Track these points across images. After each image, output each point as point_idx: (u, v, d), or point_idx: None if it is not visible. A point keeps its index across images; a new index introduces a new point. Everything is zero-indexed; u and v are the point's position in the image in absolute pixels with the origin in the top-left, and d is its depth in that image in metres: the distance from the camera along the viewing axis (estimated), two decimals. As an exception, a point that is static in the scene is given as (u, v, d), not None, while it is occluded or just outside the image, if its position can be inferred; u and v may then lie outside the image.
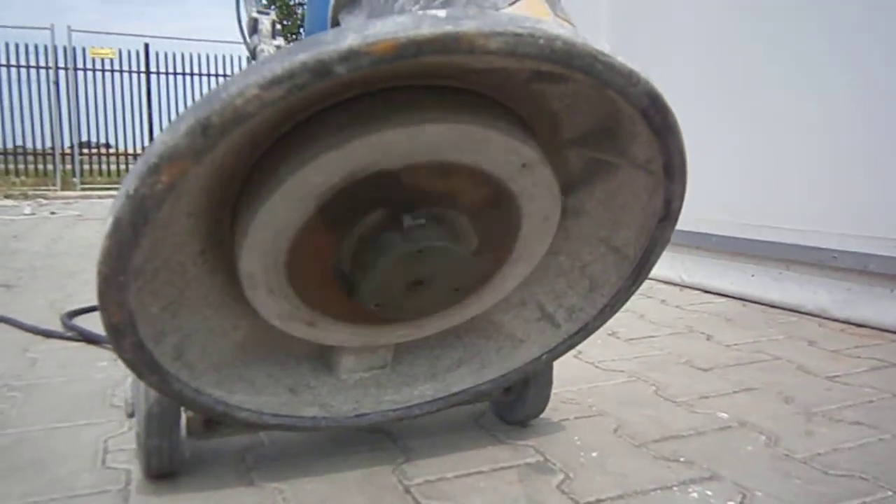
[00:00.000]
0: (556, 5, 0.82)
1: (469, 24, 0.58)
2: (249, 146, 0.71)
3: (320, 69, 0.57)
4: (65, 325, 1.82)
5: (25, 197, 7.01)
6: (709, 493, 0.96)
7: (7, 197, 6.87)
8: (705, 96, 2.35)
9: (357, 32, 0.57)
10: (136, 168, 0.60)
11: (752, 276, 2.21)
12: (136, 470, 1.01)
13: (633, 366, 1.54)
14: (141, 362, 0.76)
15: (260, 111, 0.58)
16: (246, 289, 0.81)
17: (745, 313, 2.08)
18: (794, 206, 2.09)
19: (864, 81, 1.89)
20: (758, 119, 2.20)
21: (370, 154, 0.70)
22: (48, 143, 9.74)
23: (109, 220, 0.62)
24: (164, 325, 0.79)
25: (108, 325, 0.70)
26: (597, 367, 1.53)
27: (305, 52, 0.56)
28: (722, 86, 2.33)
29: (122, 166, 10.63)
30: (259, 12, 1.47)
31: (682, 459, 1.07)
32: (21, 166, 9.86)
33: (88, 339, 1.70)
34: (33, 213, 5.35)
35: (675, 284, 2.46)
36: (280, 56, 0.57)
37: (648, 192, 0.86)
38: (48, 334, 1.75)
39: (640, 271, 0.95)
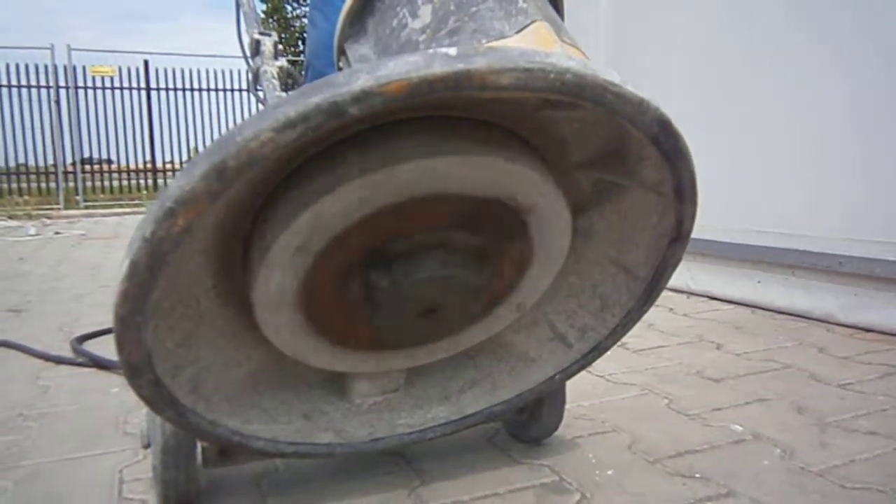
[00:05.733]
0: (561, 32, 0.82)
1: (480, 62, 0.59)
2: (261, 181, 0.72)
3: (334, 111, 0.57)
4: (75, 350, 1.82)
5: (29, 217, 7.04)
6: (726, 510, 0.96)
7: (11, 217, 6.89)
8: (710, 101, 2.35)
9: (369, 73, 0.58)
10: (152, 211, 0.60)
11: (759, 282, 2.21)
12: (152, 500, 1.01)
13: (645, 378, 1.54)
14: (158, 398, 0.76)
15: (274, 153, 0.58)
16: (259, 320, 0.81)
17: (754, 320, 2.07)
18: (799, 212, 2.09)
19: (868, 88, 1.89)
20: (762, 125, 2.20)
21: (382, 188, 0.71)
22: (50, 161, 9.78)
23: (126, 263, 0.62)
24: (180, 359, 0.79)
25: (126, 364, 0.70)
26: (608, 380, 1.53)
27: (318, 95, 0.57)
28: (725, 91, 2.33)
29: (125, 182, 10.66)
30: (261, 34, 1.48)
31: (697, 476, 1.06)
32: (24, 185, 9.90)
33: (99, 364, 1.70)
34: (38, 234, 5.36)
35: (683, 292, 2.46)
36: (293, 99, 0.58)
37: (659, 214, 0.87)
38: (59, 360, 1.76)
39: (651, 291, 0.95)
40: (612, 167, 0.85)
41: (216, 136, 10.95)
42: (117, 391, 1.54)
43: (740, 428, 1.25)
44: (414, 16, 0.83)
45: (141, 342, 0.68)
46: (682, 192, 0.79)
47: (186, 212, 0.58)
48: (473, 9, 0.80)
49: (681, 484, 1.04)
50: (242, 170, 0.58)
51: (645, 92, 0.68)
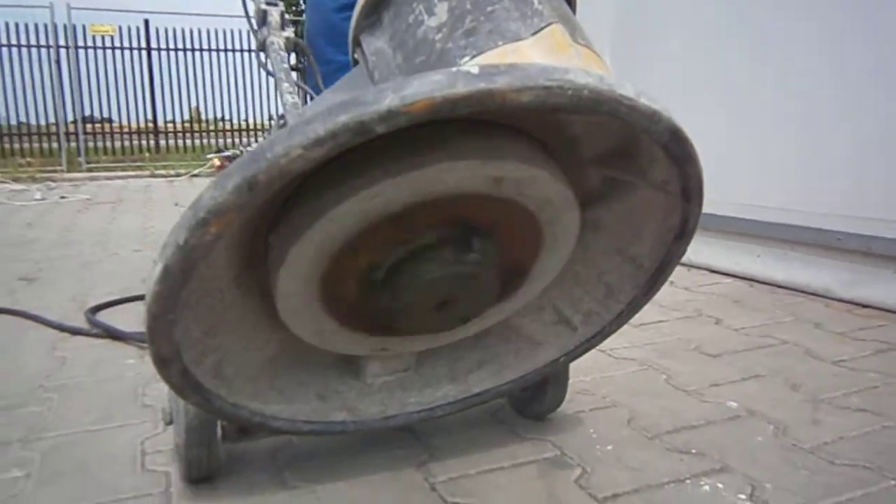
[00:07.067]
0: (576, 32, 0.84)
1: (501, 81, 0.61)
2: (286, 185, 0.75)
3: (361, 129, 0.60)
4: (89, 321, 1.87)
5: (34, 180, 7.04)
6: (720, 485, 1.01)
7: (15, 180, 6.90)
8: (712, 77, 2.36)
9: (395, 93, 0.60)
10: (185, 219, 0.64)
11: (759, 256, 2.24)
12: (174, 472, 1.06)
13: (645, 353, 1.59)
14: (186, 386, 0.80)
15: (303, 168, 0.61)
16: (281, 309, 0.85)
17: (753, 294, 2.12)
18: (799, 188, 2.11)
19: (875, 65, 1.90)
20: (764, 102, 2.21)
21: (399, 192, 0.74)
22: (51, 120, 9.74)
23: (159, 267, 0.66)
24: (204, 346, 0.83)
25: (157, 357, 0.74)
26: (609, 355, 1.58)
27: (346, 114, 0.60)
28: (727, 64, 2.33)
29: (126, 143, 10.63)
30: (268, 3, 1.49)
31: (693, 451, 1.12)
32: (26, 146, 9.87)
33: (113, 335, 1.75)
34: (43, 198, 5.38)
35: (683, 265, 2.49)
36: (322, 117, 0.60)
37: (665, 211, 0.90)
38: (74, 331, 1.81)
39: (655, 281, 0.99)
40: (622, 165, 0.88)
41: (216, 96, 10.98)
42: (133, 362, 1.59)
43: (736, 404, 1.30)
44: (430, 13, 0.84)
45: (171, 337, 0.72)
46: (690, 193, 0.83)
47: (218, 222, 0.62)
48: (489, 8, 0.81)
49: (677, 459, 1.09)
50: (272, 184, 0.62)
51: (658, 103, 0.71)
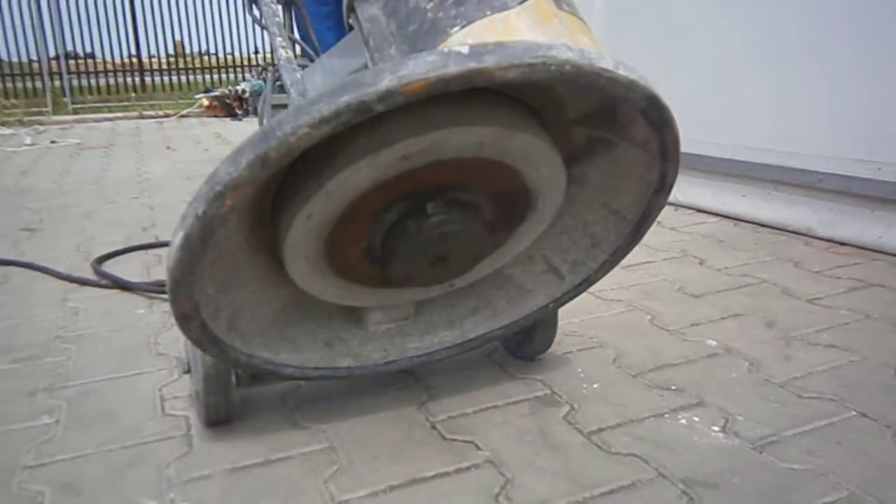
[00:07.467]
0: (560, 1, 0.88)
1: (489, 60, 0.67)
2: None
3: (362, 108, 0.66)
4: (96, 272, 1.93)
5: (21, 124, 6.98)
6: (696, 418, 1.11)
7: (2, 124, 6.84)
8: (703, 13, 2.37)
9: (392, 74, 0.66)
10: (203, 192, 0.70)
11: (744, 196, 2.31)
12: (193, 416, 1.15)
13: (631, 294, 1.67)
14: (205, 339, 0.88)
15: (309, 144, 0.67)
16: (289, 267, 0.91)
17: (737, 234, 2.19)
18: (783, 129, 2.16)
19: (859, 8, 1.93)
20: (750, 42, 2.24)
21: (396, 159, 0.80)
22: (33, 56, 9.56)
23: (180, 235, 0.72)
24: (219, 302, 0.90)
25: (179, 315, 0.81)
26: (597, 297, 1.66)
27: (348, 94, 0.65)
28: (718, 6, 2.35)
29: (112, 80, 10.46)
30: None
31: (673, 388, 1.21)
32: (9, 86, 9.71)
33: (122, 285, 1.82)
34: (34, 143, 5.36)
35: (671, 204, 2.56)
36: (326, 98, 0.66)
37: (645, 166, 0.96)
38: (83, 282, 1.87)
39: (637, 231, 1.05)
40: (605, 125, 0.93)
41: (200, 29, 10.75)
42: (143, 312, 1.66)
43: (714, 342, 1.38)
44: (422, -18, 0.88)
45: (192, 296, 0.79)
46: (667, 152, 0.89)
47: (233, 195, 0.68)
48: (478, -21, 0.85)
49: (658, 395, 1.18)
50: (282, 160, 0.68)
51: (635, 73, 0.76)
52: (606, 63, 0.73)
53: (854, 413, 1.10)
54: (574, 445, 1.04)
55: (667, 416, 1.12)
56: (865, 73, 1.91)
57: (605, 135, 0.95)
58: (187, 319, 0.82)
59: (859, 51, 1.92)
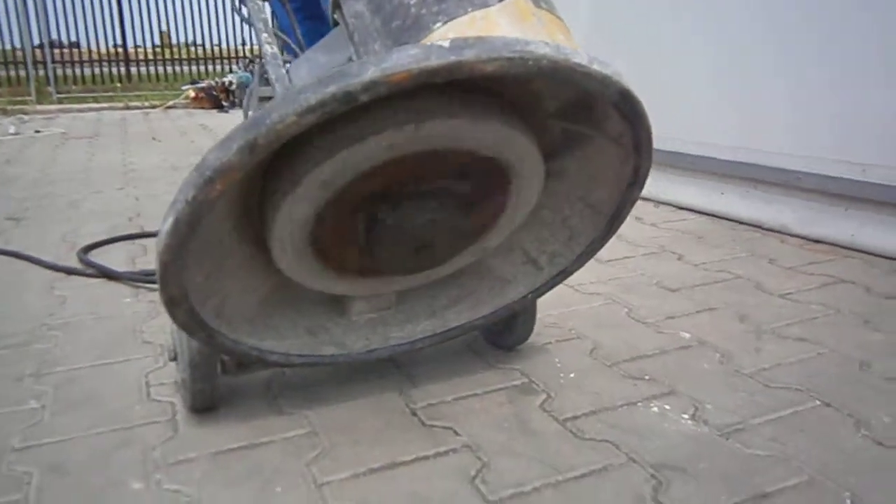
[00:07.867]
0: (539, 0, 0.91)
1: (469, 53, 0.70)
2: None
3: (346, 98, 0.69)
4: (82, 261, 1.95)
5: (5, 113, 6.92)
6: (667, 406, 1.15)
7: (-14, 113, 6.79)
8: (681, 18, 2.42)
9: (376, 66, 0.69)
10: (192, 178, 0.72)
11: (723, 193, 2.36)
12: (178, 402, 1.17)
13: (610, 288, 1.71)
14: (192, 324, 0.90)
15: (296, 132, 0.70)
16: (275, 257, 0.94)
17: (715, 230, 2.24)
18: (762, 128, 2.21)
19: (831, 12, 1.97)
20: (730, 44, 2.28)
21: (379, 149, 0.83)
22: (17, 44, 9.47)
23: (170, 220, 0.74)
24: (207, 289, 0.93)
25: (167, 299, 0.84)
26: (577, 290, 1.69)
27: (334, 85, 0.68)
28: (697, 8, 2.39)
29: (97, 70, 10.38)
30: None
31: (646, 378, 1.25)
32: (-7, 73, 9.63)
33: (108, 275, 1.83)
34: (18, 133, 5.32)
35: (651, 201, 2.61)
36: (313, 88, 0.69)
37: (620, 160, 0.99)
38: (69, 271, 1.88)
39: (612, 224, 1.09)
40: (581, 119, 0.97)
41: (186, 19, 10.71)
42: (129, 301, 1.68)
43: (688, 335, 1.43)
44: (405, -20, 0.91)
45: (180, 281, 0.82)
46: (640, 146, 0.92)
47: (223, 180, 0.71)
48: (459, -24, 0.88)
49: (632, 385, 1.22)
50: (270, 146, 0.71)
51: (609, 68, 0.79)
52: (581, 58, 0.76)
53: (818, 403, 1.15)
54: (549, 432, 1.07)
55: (639, 404, 1.16)
56: (845, 75, 1.96)
57: (582, 129, 0.98)
58: (175, 304, 0.85)
59: (839, 57, 1.97)
